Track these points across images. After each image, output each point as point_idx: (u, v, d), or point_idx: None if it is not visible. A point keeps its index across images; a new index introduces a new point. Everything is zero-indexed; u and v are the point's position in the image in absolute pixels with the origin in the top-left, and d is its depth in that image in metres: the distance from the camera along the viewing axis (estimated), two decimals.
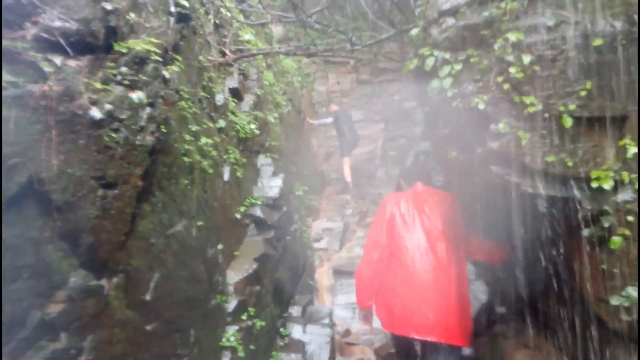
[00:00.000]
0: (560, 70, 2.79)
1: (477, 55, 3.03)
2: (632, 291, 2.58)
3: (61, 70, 2.33)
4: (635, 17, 2.69)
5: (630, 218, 2.60)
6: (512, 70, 2.83)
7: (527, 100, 2.82)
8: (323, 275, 5.77)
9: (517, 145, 2.85)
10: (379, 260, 3.11)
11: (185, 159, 3.44)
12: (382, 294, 3.13)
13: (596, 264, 2.75)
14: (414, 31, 3.51)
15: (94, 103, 2.40)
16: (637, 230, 2.50)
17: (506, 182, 2.96)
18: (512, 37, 2.88)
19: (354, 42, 4.28)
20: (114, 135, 2.48)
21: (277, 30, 8.62)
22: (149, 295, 2.86)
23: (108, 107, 2.43)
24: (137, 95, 2.59)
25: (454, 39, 3.13)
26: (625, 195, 2.65)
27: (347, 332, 4.86)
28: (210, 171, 3.93)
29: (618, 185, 2.66)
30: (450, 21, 3.20)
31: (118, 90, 2.54)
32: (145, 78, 2.72)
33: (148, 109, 2.69)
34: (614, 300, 2.63)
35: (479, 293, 4.33)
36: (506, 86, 2.85)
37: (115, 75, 2.57)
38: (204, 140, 3.87)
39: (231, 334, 3.67)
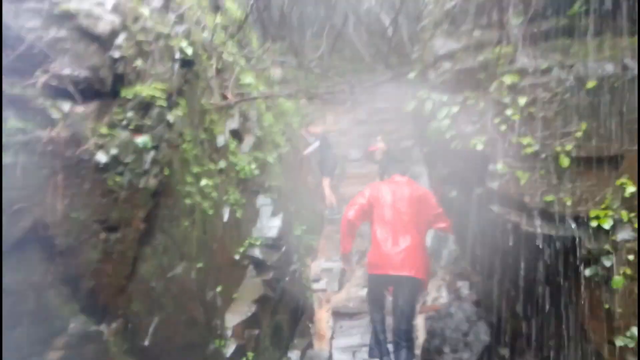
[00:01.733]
0: (555, 112, 2.86)
1: (474, 97, 3.12)
2: (636, 332, 2.56)
3: (69, 116, 2.38)
4: (626, 61, 2.80)
5: (630, 257, 2.60)
6: (508, 112, 2.91)
7: (525, 141, 2.88)
8: (322, 318, 5.67)
9: (516, 185, 2.89)
10: (355, 215, 4.22)
11: (187, 200, 3.45)
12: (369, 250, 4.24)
13: (599, 304, 2.73)
14: (412, 74, 3.62)
15: (100, 147, 2.44)
16: (637, 268, 2.50)
17: (506, 221, 2.98)
18: (507, 80, 2.97)
19: (352, 84, 4.40)
20: (118, 179, 2.51)
21: (275, 72, 8.83)
22: (147, 340, 2.81)
23: (113, 151, 2.47)
24: (142, 139, 2.64)
25: (451, 82, 3.23)
26: (625, 234, 2.66)
27: None
28: (211, 212, 3.94)
29: (617, 224, 2.68)
30: (447, 65, 3.31)
31: (123, 135, 2.59)
32: (150, 122, 2.77)
33: (152, 153, 2.73)
34: (619, 341, 2.61)
35: (482, 334, 4.27)
36: (503, 127, 2.92)
37: (121, 120, 2.63)
38: (204, 181, 3.90)
39: None
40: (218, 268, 4.00)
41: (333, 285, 6.28)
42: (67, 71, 2.38)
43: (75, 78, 2.41)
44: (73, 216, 2.34)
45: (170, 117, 3.04)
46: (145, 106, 2.80)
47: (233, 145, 4.96)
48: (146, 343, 2.80)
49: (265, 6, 7.48)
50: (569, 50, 2.97)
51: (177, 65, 3.46)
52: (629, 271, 2.61)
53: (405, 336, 4.01)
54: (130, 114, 2.66)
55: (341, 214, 7.93)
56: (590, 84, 2.79)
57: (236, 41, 5.64)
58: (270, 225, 5.05)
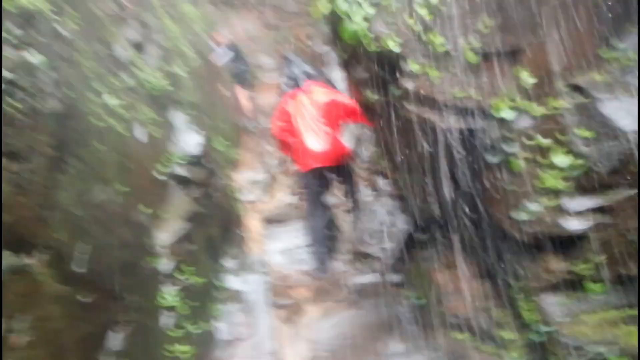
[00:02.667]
0: (462, 9, 2.95)
1: None
2: (530, 205, 2.93)
3: None
4: None
5: (528, 142, 2.90)
6: (421, 11, 2.95)
7: (436, 40, 2.97)
8: (254, 226, 5.85)
9: (429, 83, 3.03)
10: (282, 125, 4.78)
11: (95, 121, 3.23)
12: (295, 150, 4.73)
13: (500, 185, 3.07)
14: None
15: None
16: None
17: (421, 119, 3.16)
18: None
19: None
20: (18, 105, 2.27)
21: None
22: (79, 266, 2.76)
23: (8, 74, 2.20)
24: (37, 59, 2.36)
25: None
26: (524, 122, 2.95)
27: (283, 277, 5.04)
28: (123, 132, 3.74)
29: (517, 113, 2.94)
30: None
31: (14, 55, 2.29)
32: (42, 39, 2.47)
33: (51, 73, 2.47)
34: (515, 215, 2.98)
35: (400, 224, 4.65)
36: (417, 27, 2.98)
37: (6, 37, 2.31)
38: (110, 99, 3.64)
39: (168, 294, 3.68)
40: (141, 189, 3.89)
41: (261, 194, 6.42)
42: None
43: None
44: None
45: (62, 30, 2.73)
46: (31, 19, 2.47)
47: (137, 58, 4.59)
48: (77, 269, 2.75)
49: None
50: None
51: None
52: (526, 155, 2.93)
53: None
54: (17, 31, 2.34)
55: (259, 124, 7.90)
56: None
57: None
58: (189, 141, 4.91)
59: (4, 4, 2.37)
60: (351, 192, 5.09)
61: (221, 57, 7.74)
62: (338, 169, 4.73)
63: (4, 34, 2.35)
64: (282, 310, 4.53)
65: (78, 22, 3.17)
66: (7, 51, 2.30)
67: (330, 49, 5.52)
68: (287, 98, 4.80)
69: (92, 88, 3.37)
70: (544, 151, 2.86)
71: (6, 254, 2.22)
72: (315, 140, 4.51)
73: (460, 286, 3.58)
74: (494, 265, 3.35)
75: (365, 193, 5.59)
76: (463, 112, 3.05)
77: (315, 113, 4.55)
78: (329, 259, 4.96)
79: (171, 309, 3.68)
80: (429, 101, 3.07)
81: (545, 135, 2.82)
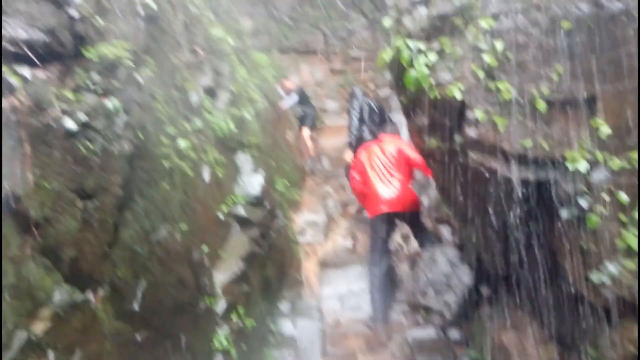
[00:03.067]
0: (532, 56, 2.84)
1: (451, 44, 3.06)
2: (611, 267, 2.67)
3: (30, 82, 2.25)
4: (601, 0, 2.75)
5: (606, 197, 2.67)
6: (485, 57, 2.87)
7: (502, 86, 2.86)
8: (309, 269, 5.79)
9: (494, 131, 2.90)
10: (358, 178, 5.14)
11: (165, 162, 3.38)
12: (367, 197, 5.00)
13: (575, 243, 2.83)
14: (387, 21, 3.51)
15: (67, 113, 2.33)
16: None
17: (486, 168, 3.01)
18: (484, 23, 2.91)
19: (325, 34, 4.26)
20: (90, 145, 2.43)
21: (247, 24, 8.51)
22: (136, 304, 2.82)
23: (82, 116, 2.37)
24: (112, 103, 2.53)
25: (427, 29, 3.15)
26: (600, 175, 2.72)
27: (337, 324, 4.90)
28: (190, 173, 3.88)
29: (592, 165, 2.73)
30: (422, 10, 3.22)
31: (91, 98, 2.48)
32: (118, 84, 2.66)
33: (124, 116, 2.63)
34: (594, 277, 2.72)
35: (464, 276, 4.41)
36: (481, 74, 2.89)
37: (86, 83, 2.51)
38: (181, 142, 3.81)
39: (223, 336, 3.66)
40: (202, 228, 3.99)
41: (319, 237, 6.38)
42: (22, 34, 2.23)
43: (32, 41, 2.27)
44: (45, 186, 2.27)
45: (139, 78, 2.92)
46: (111, 67, 2.67)
47: (207, 102, 4.83)
48: (135, 307, 2.81)
49: None
50: None
51: (141, 22, 3.29)
52: (604, 210, 2.69)
53: None
54: (96, 77, 2.54)
55: (322, 166, 7.98)
56: (566, 24, 2.75)
57: None
58: (252, 182, 5.02)
59: (87, 54, 2.58)
60: (419, 239, 5.06)
61: (287, 102, 8.00)
62: (406, 216, 4.85)
63: (86, 80, 2.55)
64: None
65: (154, 70, 3.39)
66: (86, 96, 2.49)
67: (394, 93, 5.52)
68: (362, 149, 5.23)
69: (163, 131, 3.56)
70: (625, 208, 2.61)
71: (65, 288, 2.31)
72: (385, 186, 4.77)
73: (528, 350, 3.27)
74: (568, 330, 3.04)
75: (428, 241, 5.40)
76: (532, 162, 2.88)
77: (386, 161, 4.89)
78: (387, 308, 4.77)
79: (226, 352, 3.66)
80: (494, 150, 2.93)
81: (626, 191, 2.58)
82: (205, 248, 3.90)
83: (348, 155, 5.82)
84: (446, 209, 4.99)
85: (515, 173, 2.88)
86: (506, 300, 3.59)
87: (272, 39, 7.44)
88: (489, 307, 3.87)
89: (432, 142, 3.33)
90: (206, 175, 4.32)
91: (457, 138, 3.08)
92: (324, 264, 5.75)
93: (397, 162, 4.88)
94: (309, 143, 7.98)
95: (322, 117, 9.19)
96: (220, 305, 3.81)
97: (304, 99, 8.13)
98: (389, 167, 4.87)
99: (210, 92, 4.99)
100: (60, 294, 2.34)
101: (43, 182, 2.27)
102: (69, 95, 2.38)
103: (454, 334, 4.14)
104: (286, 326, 4.57)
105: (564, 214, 2.81)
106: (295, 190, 7.20)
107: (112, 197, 2.64)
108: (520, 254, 3.19)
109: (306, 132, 8.02)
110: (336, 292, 5.31)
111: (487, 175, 3.01)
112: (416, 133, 3.57)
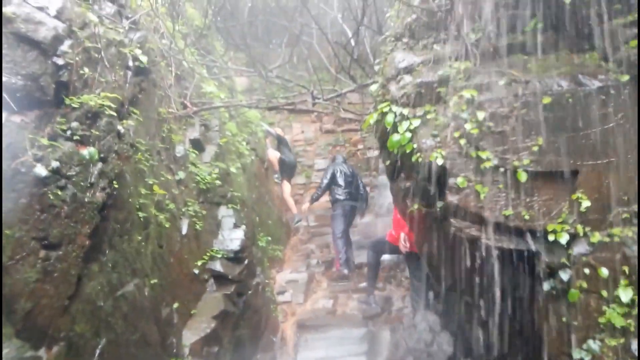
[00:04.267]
0: (512, 127, 2.88)
1: (434, 111, 3.11)
2: (592, 344, 2.58)
3: (4, 125, 2.21)
4: (580, 77, 2.84)
5: (587, 270, 2.62)
6: (467, 126, 2.91)
7: (483, 155, 2.88)
8: (286, 331, 5.55)
9: (475, 199, 2.88)
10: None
11: (140, 213, 3.30)
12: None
13: (556, 317, 2.75)
14: (374, 87, 3.59)
15: (39, 160, 2.28)
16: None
17: (467, 235, 2.97)
18: (467, 94, 2.97)
19: (315, 95, 4.34)
20: (60, 193, 2.35)
21: (241, 81, 8.70)
22: None
23: (54, 163, 2.31)
24: (87, 151, 2.49)
25: (412, 96, 3.21)
26: (581, 248, 2.69)
27: None
28: (167, 225, 3.79)
29: (573, 238, 2.70)
30: (407, 78, 3.30)
31: (67, 146, 2.44)
32: (97, 133, 2.63)
33: (99, 165, 2.58)
34: (576, 354, 2.62)
35: (444, 344, 4.25)
36: (463, 141, 2.91)
37: (65, 130, 2.47)
38: (160, 193, 3.75)
39: None
40: (175, 283, 3.84)
41: (298, 296, 6.17)
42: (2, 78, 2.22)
43: (11, 85, 2.25)
44: (7, 233, 2.17)
45: (120, 128, 2.90)
46: (92, 116, 2.65)
47: (193, 155, 4.81)
48: None
49: (231, 14, 7.39)
50: (526, 66, 3.01)
51: (130, 73, 3.32)
52: (585, 285, 2.64)
53: None
54: (75, 124, 2.51)
55: (307, 222, 7.90)
56: (546, 99, 2.82)
57: (197, 49, 5.51)
58: (232, 237, 4.90)
59: (69, 101, 2.57)
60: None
61: (267, 131, 8.00)
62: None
63: (64, 127, 2.52)
64: None
65: (138, 120, 3.38)
66: (62, 143, 2.45)
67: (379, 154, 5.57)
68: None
69: (143, 181, 3.50)
70: (606, 283, 2.55)
71: (16, 343, 2.16)
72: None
73: None
74: None
75: (409, 306, 5.26)
76: (512, 231, 2.84)
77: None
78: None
79: None
80: (474, 217, 2.90)
81: (606, 265, 2.54)
82: (176, 304, 3.73)
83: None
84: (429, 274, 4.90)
85: (495, 242, 2.84)
86: None
87: (266, 97, 7.59)
88: None
89: (412, 205, 3.30)
90: (184, 228, 4.22)
91: (439, 203, 3.05)
92: (303, 327, 5.52)
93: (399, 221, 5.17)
94: (288, 196, 7.91)
95: (310, 174, 9.23)
96: None
97: (282, 141, 8.12)
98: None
99: (197, 145, 4.99)
100: (10, 350, 2.17)
101: (5, 229, 2.18)
102: (44, 141, 2.34)
103: None
104: None
105: (545, 286, 2.75)
106: (278, 247, 7.06)
107: (78, 248, 2.53)
108: (500, 323, 3.09)
109: (287, 187, 7.97)
110: (314, 357, 5.06)
111: (467, 242, 2.97)
112: (400, 196, 3.54)
